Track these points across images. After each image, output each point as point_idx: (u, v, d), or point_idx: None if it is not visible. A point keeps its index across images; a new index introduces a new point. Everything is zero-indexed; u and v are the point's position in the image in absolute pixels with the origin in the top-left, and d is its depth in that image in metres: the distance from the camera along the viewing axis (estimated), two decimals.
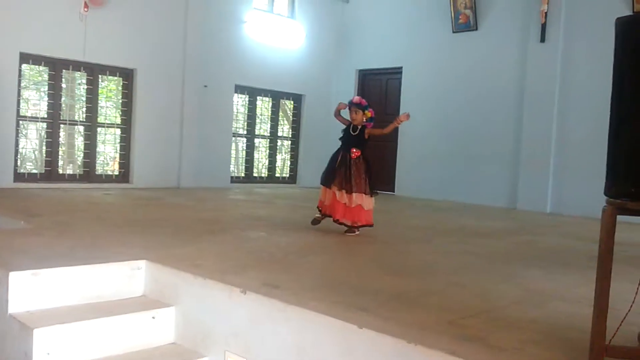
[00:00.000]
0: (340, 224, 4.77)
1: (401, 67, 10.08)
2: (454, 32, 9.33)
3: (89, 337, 2.64)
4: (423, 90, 9.73)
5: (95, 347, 2.66)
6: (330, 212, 4.79)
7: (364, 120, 4.87)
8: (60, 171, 8.07)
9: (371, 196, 4.78)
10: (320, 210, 4.90)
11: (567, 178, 8.03)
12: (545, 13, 8.15)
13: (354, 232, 4.77)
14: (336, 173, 4.77)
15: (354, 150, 4.80)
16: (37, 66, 7.78)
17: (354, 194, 4.68)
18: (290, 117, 10.96)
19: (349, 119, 4.94)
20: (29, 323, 2.54)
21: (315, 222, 4.90)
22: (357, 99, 4.94)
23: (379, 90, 10.63)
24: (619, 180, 1.83)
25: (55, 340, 2.53)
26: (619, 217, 1.85)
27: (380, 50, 10.36)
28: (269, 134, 10.61)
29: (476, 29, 9.09)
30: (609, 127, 1.88)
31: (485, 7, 9.02)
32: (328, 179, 4.81)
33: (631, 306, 1.98)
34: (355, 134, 4.85)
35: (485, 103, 8.97)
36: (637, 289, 1.90)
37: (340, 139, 4.97)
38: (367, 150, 4.91)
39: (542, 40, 8.24)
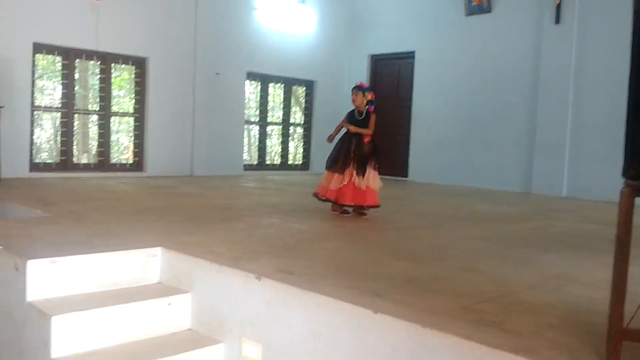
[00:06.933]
0: (349, 206, 4.86)
1: (414, 52, 9.98)
2: (467, 14, 9.19)
3: (106, 324, 2.67)
4: (436, 74, 9.64)
5: (112, 334, 2.69)
6: (336, 197, 4.81)
7: (365, 103, 4.87)
8: (75, 160, 8.14)
9: (378, 173, 4.85)
10: (316, 195, 4.92)
11: (583, 161, 7.92)
12: None
13: (359, 213, 4.86)
14: (346, 158, 4.78)
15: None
16: (50, 56, 7.83)
17: (364, 176, 4.73)
18: (303, 103, 10.93)
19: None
20: (47, 310, 2.57)
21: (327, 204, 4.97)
22: (358, 83, 5.06)
23: (391, 76, 10.54)
24: (638, 161, 1.79)
25: (73, 327, 2.56)
26: (637, 200, 1.82)
27: (392, 35, 10.25)
28: (281, 121, 10.59)
29: (490, 11, 8.95)
30: (626, 108, 1.84)
31: None
32: (338, 164, 4.80)
33: None
34: (362, 118, 4.88)
35: (499, 86, 8.86)
36: None
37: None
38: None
39: (557, 21, 8.09)
